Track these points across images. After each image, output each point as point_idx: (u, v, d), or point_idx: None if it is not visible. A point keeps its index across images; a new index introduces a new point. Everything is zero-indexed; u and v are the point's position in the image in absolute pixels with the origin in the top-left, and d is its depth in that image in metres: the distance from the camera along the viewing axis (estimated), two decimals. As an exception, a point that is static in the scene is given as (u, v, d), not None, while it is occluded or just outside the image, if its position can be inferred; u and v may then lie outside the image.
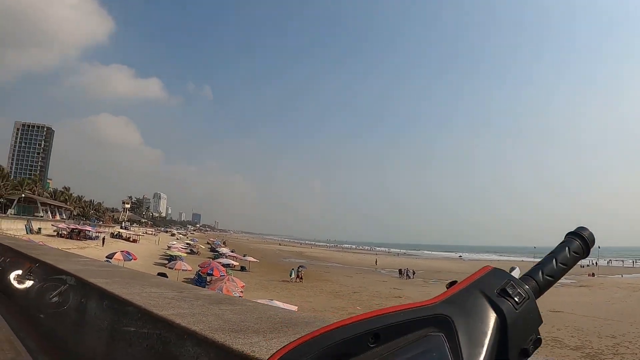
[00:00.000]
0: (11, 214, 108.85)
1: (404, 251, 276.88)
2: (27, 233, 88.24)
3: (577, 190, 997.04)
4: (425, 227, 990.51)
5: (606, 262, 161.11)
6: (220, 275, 48.24)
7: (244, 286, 40.83)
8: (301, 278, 64.63)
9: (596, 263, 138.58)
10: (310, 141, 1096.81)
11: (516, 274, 0.83)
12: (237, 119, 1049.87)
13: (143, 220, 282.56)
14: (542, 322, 0.75)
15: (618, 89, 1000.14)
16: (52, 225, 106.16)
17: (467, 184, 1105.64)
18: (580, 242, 0.98)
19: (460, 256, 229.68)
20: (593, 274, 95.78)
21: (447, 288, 0.79)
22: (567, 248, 0.95)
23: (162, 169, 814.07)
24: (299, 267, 68.87)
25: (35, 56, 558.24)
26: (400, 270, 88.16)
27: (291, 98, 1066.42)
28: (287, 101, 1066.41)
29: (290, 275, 65.47)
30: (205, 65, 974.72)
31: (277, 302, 27.47)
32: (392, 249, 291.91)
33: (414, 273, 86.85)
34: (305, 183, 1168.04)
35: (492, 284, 0.73)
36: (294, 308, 27.85)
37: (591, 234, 0.99)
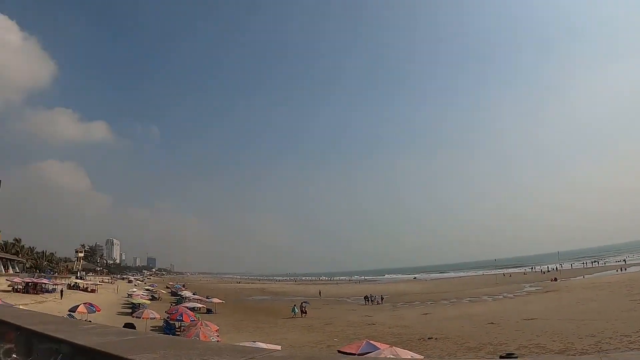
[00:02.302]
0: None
1: (363, 277, 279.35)
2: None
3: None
4: (372, 252, 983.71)
5: (569, 265, 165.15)
6: (191, 320, 46.76)
7: (217, 329, 39.40)
8: (305, 312, 65.54)
9: (557, 268, 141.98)
10: (265, 172, 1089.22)
11: None
12: (187, 159, 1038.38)
13: (98, 269, 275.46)
14: None
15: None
16: (6, 280, 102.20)
17: (400, 205, 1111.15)
18: None
19: (415, 277, 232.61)
20: (555, 279, 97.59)
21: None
22: None
23: (114, 214, 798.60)
24: (302, 303, 69.38)
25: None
26: (365, 297, 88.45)
27: (243, 134, 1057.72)
28: (238, 138, 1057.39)
29: (293, 312, 66.45)
30: (152, 106, 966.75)
31: (260, 344, 26.30)
32: (353, 277, 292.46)
33: (382, 298, 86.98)
34: (260, 216, 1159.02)
35: None
36: (278, 347, 26.73)
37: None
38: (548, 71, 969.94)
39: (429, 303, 79.66)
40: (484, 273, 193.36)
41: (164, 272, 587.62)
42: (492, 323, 42.99)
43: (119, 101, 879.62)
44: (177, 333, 47.18)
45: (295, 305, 69.20)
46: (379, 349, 24.08)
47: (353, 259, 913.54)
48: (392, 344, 27.47)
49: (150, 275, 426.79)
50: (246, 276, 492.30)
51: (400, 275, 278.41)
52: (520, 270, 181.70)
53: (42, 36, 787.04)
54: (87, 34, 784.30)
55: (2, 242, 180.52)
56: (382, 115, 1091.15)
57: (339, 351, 27.23)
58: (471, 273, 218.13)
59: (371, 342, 25.32)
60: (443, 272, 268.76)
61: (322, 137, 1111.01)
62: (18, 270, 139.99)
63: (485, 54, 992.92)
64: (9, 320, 8.03)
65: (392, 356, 22.64)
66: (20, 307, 47.87)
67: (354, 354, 24.96)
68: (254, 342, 28.49)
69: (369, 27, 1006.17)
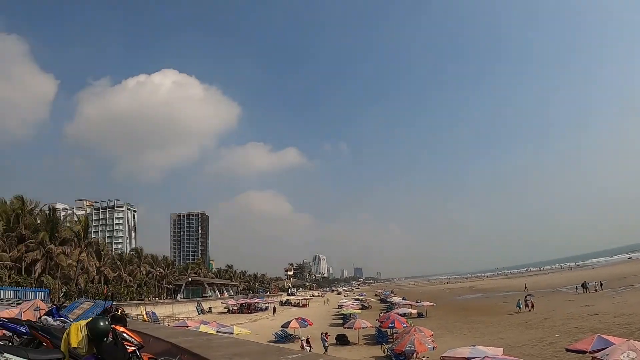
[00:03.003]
0: (181, 297, 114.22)
1: (575, 264, 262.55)
2: (198, 314, 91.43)
3: None
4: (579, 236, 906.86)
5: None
6: (404, 327, 45.94)
7: (432, 334, 37.98)
8: (532, 306, 63.65)
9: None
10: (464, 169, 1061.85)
11: None
12: (378, 166, 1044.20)
13: (308, 284, 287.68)
14: None
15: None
16: (221, 303, 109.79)
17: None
18: None
19: (630, 257, 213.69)
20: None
21: None
22: None
23: (316, 231, 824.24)
24: (526, 297, 68.24)
25: (176, 153, 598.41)
26: (583, 285, 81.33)
27: (433, 131, 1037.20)
28: (428, 136, 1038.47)
29: (518, 307, 64.45)
30: (337, 122, 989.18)
31: (480, 347, 24.59)
32: (563, 264, 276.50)
33: (601, 284, 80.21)
34: (462, 214, 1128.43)
35: None
36: (500, 350, 24.88)
37: None
38: None
39: (656, 284, 72.23)
40: None
41: (371, 281, 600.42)
42: None
43: (304, 126, 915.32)
44: (389, 340, 46.92)
45: (519, 299, 66.61)
46: (614, 343, 21.46)
47: (562, 244, 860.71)
48: (626, 337, 24.50)
49: (358, 285, 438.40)
50: (453, 276, 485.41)
51: (611, 257, 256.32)
52: None
53: (221, 84, 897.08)
54: (261, 72, 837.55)
55: (216, 270, 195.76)
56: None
57: (567, 349, 24.64)
58: None
59: (603, 336, 22.68)
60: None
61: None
62: (232, 293, 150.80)
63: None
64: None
65: (631, 352, 19.80)
66: (235, 326, 50.13)
67: (585, 352, 22.37)
68: (473, 345, 26.76)
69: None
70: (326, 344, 47.55)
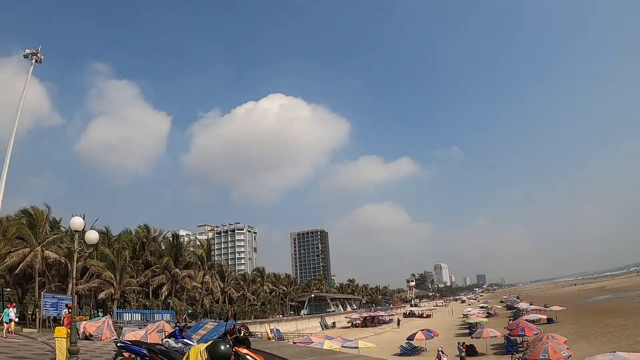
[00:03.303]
0: (304, 314, 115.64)
1: None
2: (322, 329, 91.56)
3: None
4: None
5: None
6: (534, 334, 43.55)
7: (566, 341, 35.32)
8: None
9: None
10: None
11: None
12: (491, 168, 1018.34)
13: (430, 294, 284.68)
14: None
15: None
16: (344, 317, 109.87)
17: None
18: None
19: None
20: None
21: None
22: None
23: (435, 240, 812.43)
24: None
25: (291, 173, 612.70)
26: None
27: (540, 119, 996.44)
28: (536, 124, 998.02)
29: None
30: (446, 127, 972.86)
31: (621, 354, 22.10)
32: None
33: None
34: (582, 211, 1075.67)
35: None
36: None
37: None
38: None
39: None
40: None
41: (495, 287, 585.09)
42: None
43: (414, 134, 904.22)
44: (520, 349, 44.97)
45: None
46: None
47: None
48: None
49: (482, 292, 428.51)
50: (580, 277, 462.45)
51: None
52: None
53: (328, 103, 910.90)
54: (367, 87, 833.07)
55: (338, 285, 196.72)
56: None
57: None
58: None
59: None
60: None
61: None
62: (355, 307, 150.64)
63: None
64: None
65: None
66: (360, 341, 49.29)
67: None
68: (613, 352, 24.33)
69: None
70: (463, 354, 46.33)
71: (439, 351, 45.12)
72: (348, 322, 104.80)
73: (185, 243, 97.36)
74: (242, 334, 10.75)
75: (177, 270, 79.57)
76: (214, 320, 13.24)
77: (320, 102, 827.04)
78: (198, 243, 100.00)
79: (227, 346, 7.58)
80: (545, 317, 70.15)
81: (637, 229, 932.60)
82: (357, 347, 47.50)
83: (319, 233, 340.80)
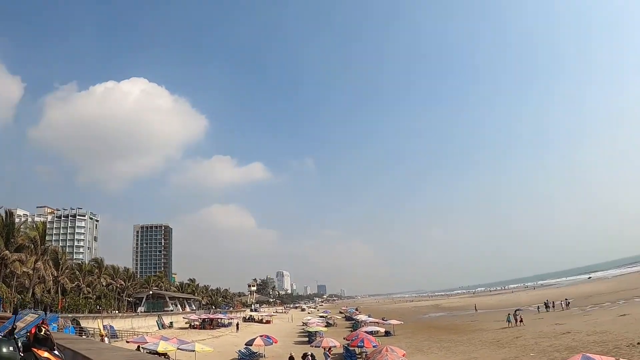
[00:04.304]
0: (141, 311, 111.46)
1: (538, 283, 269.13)
2: (159, 328, 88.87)
3: None
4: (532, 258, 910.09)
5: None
6: (373, 346, 44.87)
7: (405, 354, 36.70)
8: (521, 321, 63.84)
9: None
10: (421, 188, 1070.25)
11: None
12: (344, 184, 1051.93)
13: (271, 300, 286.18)
14: None
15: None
16: (183, 317, 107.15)
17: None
18: None
19: (590, 277, 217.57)
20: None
21: None
22: None
23: (280, 247, 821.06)
24: (515, 311, 68.47)
25: (141, 163, 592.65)
26: (545, 303, 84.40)
27: (396, 149, 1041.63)
28: (394, 152, 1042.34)
29: (508, 321, 64.44)
30: (305, 139, 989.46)
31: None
32: (527, 283, 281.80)
33: (568, 303, 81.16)
34: (425, 233, 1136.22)
35: None
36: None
37: None
38: None
39: (621, 303, 72.86)
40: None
41: (335, 298, 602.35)
42: None
43: (272, 142, 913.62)
44: None
45: (509, 314, 66.62)
46: (603, 362, 20.48)
47: (524, 265, 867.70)
48: (603, 354, 23.73)
49: (322, 301, 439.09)
50: (415, 294, 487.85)
51: (570, 278, 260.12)
52: None
53: (190, 97, 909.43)
54: (230, 88, 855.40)
55: (179, 283, 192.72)
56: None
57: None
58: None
59: (589, 355, 21.73)
60: (620, 267, 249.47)
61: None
62: (194, 308, 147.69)
63: None
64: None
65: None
66: (197, 343, 48.21)
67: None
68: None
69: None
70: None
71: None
72: (186, 323, 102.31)
73: (20, 223, 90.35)
74: (42, 332, 8.02)
75: (7, 252, 72.93)
76: (35, 312, 11.02)
77: (183, 95, 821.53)
78: (33, 225, 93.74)
79: (11, 349, 6.21)
80: (383, 329, 72.86)
81: (469, 256, 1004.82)
82: (194, 350, 46.52)
83: (163, 228, 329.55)
